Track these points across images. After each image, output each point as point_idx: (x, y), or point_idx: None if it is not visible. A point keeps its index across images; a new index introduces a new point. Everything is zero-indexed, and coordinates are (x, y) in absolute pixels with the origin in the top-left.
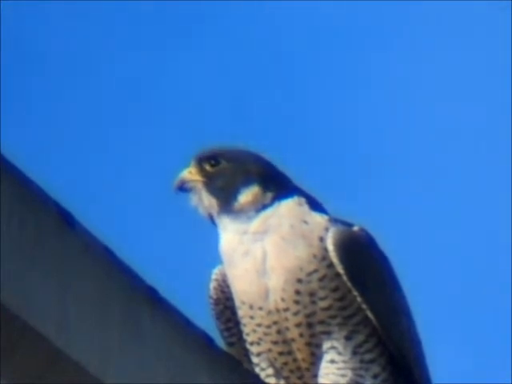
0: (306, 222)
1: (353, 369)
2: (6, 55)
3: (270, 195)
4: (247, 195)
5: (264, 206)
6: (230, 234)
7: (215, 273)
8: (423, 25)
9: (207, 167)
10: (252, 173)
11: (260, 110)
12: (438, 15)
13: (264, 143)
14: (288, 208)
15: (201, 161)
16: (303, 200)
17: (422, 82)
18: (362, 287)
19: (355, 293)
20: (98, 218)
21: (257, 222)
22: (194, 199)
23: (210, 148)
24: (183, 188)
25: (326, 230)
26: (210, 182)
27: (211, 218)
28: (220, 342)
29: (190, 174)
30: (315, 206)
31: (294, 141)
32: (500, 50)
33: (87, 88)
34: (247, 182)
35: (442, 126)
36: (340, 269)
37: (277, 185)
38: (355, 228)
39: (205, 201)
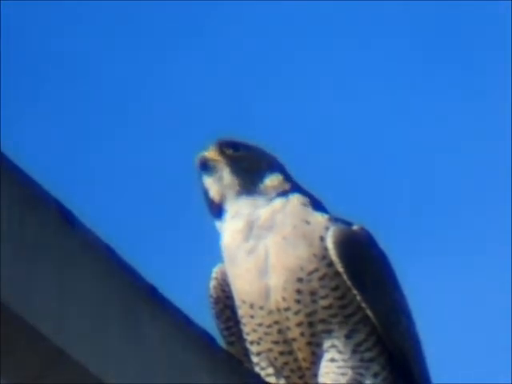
0: (308, 223)
1: (353, 367)
2: (4, 55)
3: (289, 185)
4: (273, 180)
5: (283, 193)
6: (237, 225)
7: (215, 271)
8: (421, 24)
9: (227, 152)
10: (274, 164)
11: (260, 109)
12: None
13: (263, 142)
14: (294, 207)
15: (221, 145)
16: (307, 200)
17: (421, 84)
18: (361, 286)
19: (355, 291)
20: (98, 217)
21: (267, 212)
22: (211, 179)
23: (228, 137)
24: (205, 166)
25: (326, 228)
26: (233, 164)
27: (219, 205)
28: (220, 342)
29: (211, 154)
30: (317, 205)
31: (294, 140)
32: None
33: (87, 87)
34: (271, 169)
35: (442, 125)
36: (340, 267)
37: (291, 180)
38: (355, 227)
39: (226, 179)
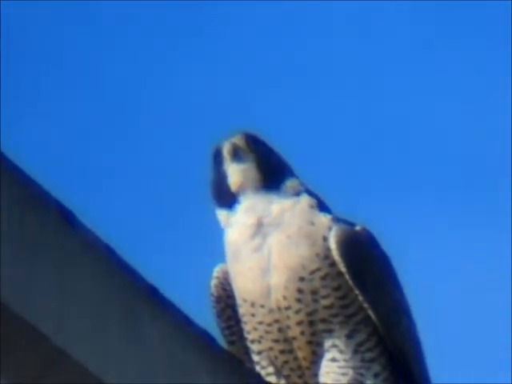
0: (312, 224)
1: (354, 367)
2: (4, 55)
3: (303, 188)
4: (292, 182)
5: (296, 194)
6: (248, 220)
7: (216, 270)
8: (421, 24)
9: (253, 146)
10: (289, 166)
11: (260, 108)
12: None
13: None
14: (302, 208)
15: (247, 138)
16: (315, 202)
17: (423, 83)
18: (363, 286)
19: (357, 291)
20: (98, 217)
21: (277, 208)
22: (238, 167)
23: (246, 130)
24: (236, 153)
25: (329, 229)
26: (262, 159)
27: (233, 195)
28: (221, 341)
29: (241, 143)
30: (322, 206)
31: (294, 140)
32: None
33: (87, 86)
34: (291, 173)
35: (443, 123)
36: (342, 267)
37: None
38: (357, 227)
39: (252, 172)
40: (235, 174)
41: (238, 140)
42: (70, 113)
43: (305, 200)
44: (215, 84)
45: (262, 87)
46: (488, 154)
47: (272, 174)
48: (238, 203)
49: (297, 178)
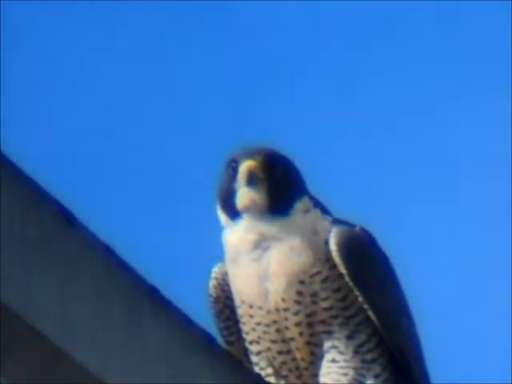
0: (316, 233)
1: (354, 368)
2: (4, 54)
3: (312, 204)
4: (302, 203)
5: (304, 212)
6: (249, 235)
7: (215, 271)
8: (423, 23)
9: (269, 171)
10: (302, 183)
11: (260, 109)
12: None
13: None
14: (308, 220)
15: (266, 161)
16: (319, 212)
17: (423, 83)
18: (363, 287)
19: (357, 293)
20: (99, 217)
21: (282, 226)
22: (250, 191)
23: (265, 148)
24: (252, 179)
25: (330, 231)
26: (273, 185)
27: (238, 210)
28: (220, 341)
29: (258, 168)
30: (324, 211)
31: (294, 139)
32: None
33: (87, 87)
34: (300, 193)
35: (444, 122)
36: (342, 268)
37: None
38: (357, 228)
39: (259, 198)
40: (245, 196)
41: (256, 163)
42: (71, 113)
43: (313, 215)
44: (215, 82)
45: (262, 87)
46: None
47: (282, 199)
48: (241, 218)
49: (308, 194)
